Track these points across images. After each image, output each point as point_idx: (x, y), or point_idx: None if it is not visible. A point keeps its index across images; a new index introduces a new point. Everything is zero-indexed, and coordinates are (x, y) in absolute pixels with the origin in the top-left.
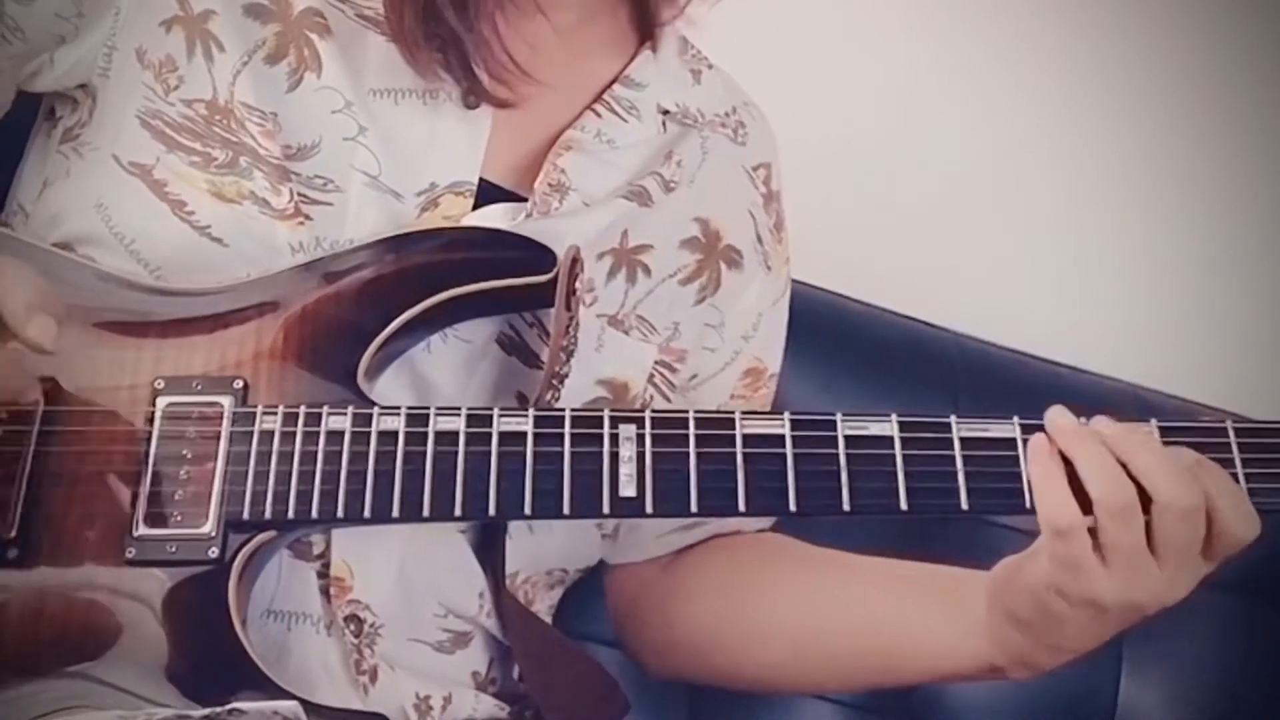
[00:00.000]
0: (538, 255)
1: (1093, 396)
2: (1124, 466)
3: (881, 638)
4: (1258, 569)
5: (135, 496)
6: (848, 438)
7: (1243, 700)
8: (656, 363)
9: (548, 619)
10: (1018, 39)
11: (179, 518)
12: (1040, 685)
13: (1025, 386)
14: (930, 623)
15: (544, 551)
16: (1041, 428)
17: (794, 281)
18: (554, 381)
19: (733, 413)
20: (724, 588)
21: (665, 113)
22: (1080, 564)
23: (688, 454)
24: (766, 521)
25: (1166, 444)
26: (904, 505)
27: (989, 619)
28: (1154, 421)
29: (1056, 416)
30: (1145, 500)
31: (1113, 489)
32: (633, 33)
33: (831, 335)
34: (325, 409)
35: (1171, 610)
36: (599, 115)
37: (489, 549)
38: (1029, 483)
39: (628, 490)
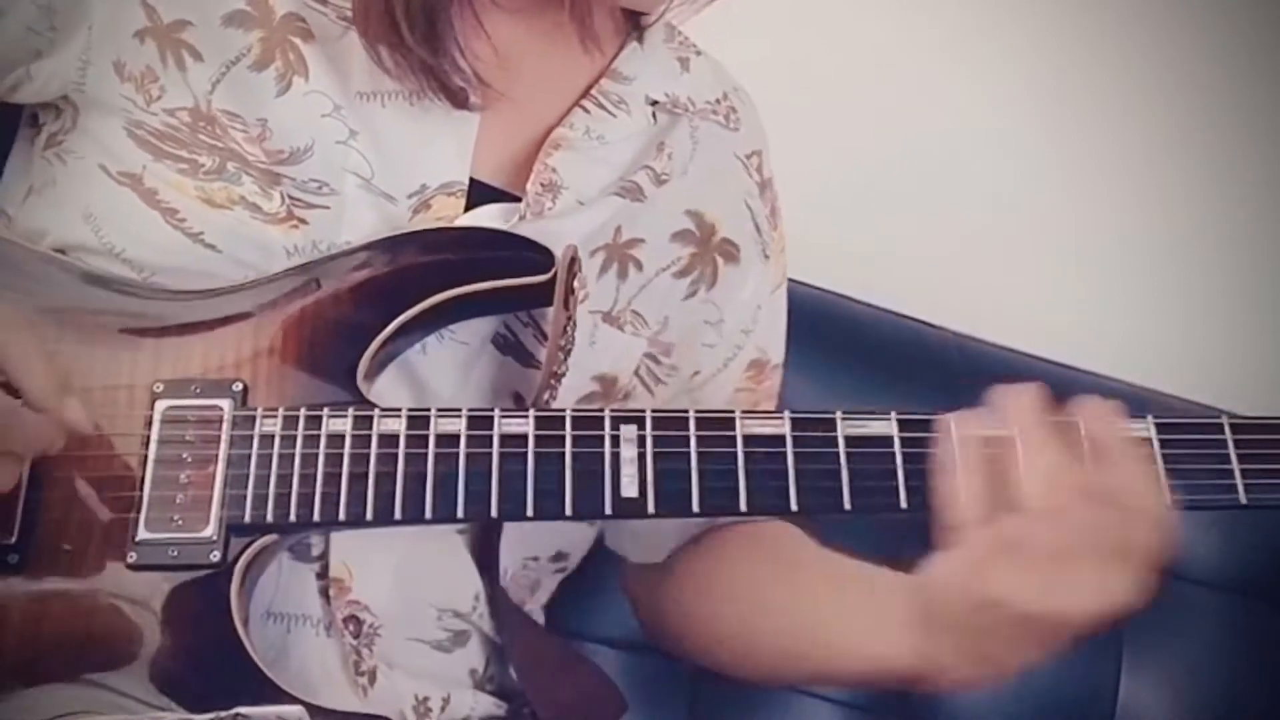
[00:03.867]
0: (536, 255)
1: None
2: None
3: (808, 639)
4: (1258, 569)
5: (136, 501)
6: (848, 437)
7: (1243, 700)
8: (644, 354)
9: (543, 611)
10: (1021, 39)
11: (180, 521)
12: (1040, 685)
13: None
14: (848, 625)
15: (528, 541)
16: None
17: (796, 282)
18: (552, 381)
19: (733, 412)
20: (729, 582)
21: (654, 103)
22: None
23: (689, 454)
24: None
25: (1162, 439)
26: (904, 504)
27: (919, 627)
28: (1150, 418)
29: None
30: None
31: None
32: (618, 27)
33: (832, 335)
34: (326, 411)
35: (1171, 608)
36: (587, 111)
37: (485, 550)
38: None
39: (629, 491)
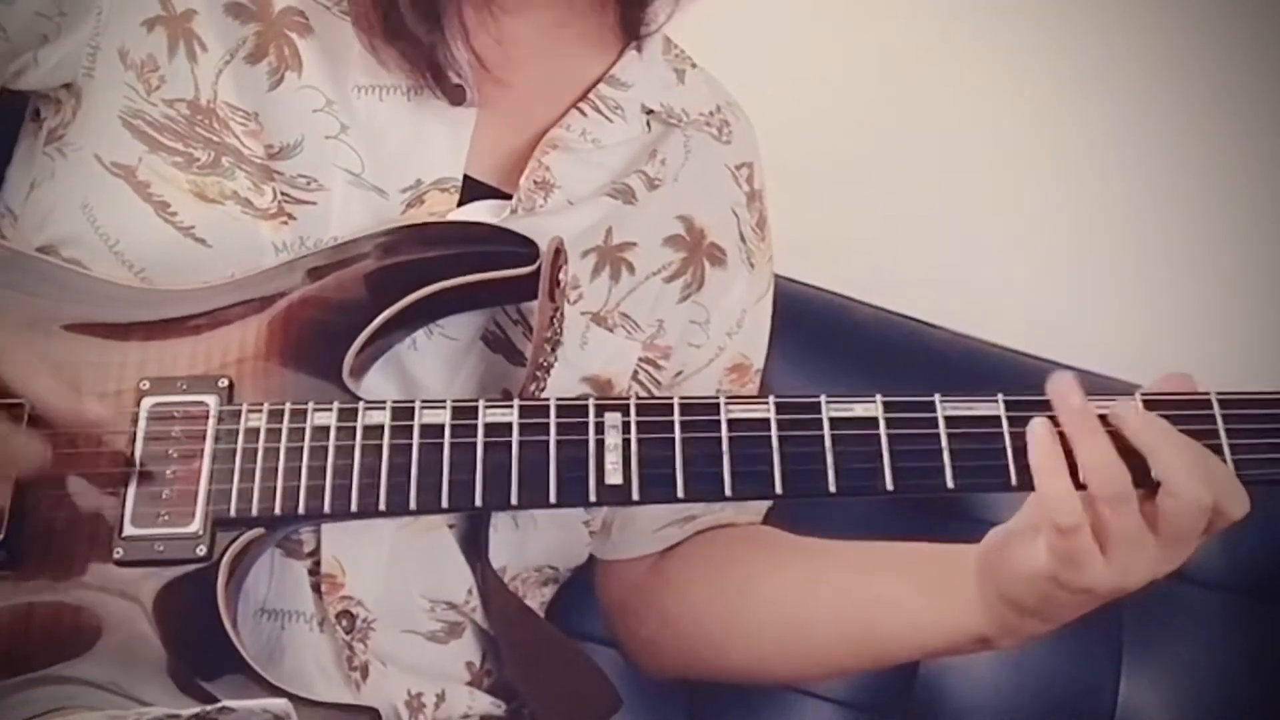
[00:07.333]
0: (521, 248)
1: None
2: (1146, 456)
3: (872, 620)
4: (1258, 569)
5: (123, 497)
6: (832, 419)
7: (1242, 700)
8: (641, 359)
9: (542, 610)
10: (1016, 38)
11: (166, 517)
12: (1040, 685)
13: (1023, 386)
14: (920, 600)
15: (530, 548)
16: (1024, 404)
17: (795, 282)
18: (538, 373)
19: (717, 397)
20: (714, 580)
21: (649, 112)
22: (1082, 558)
23: (673, 440)
24: (757, 514)
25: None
26: (890, 485)
27: (980, 595)
28: (1137, 394)
29: (1067, 392)
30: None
31: (1110, 479)
32: (617, 33)
33: (830, 335)
34: (311, 405)
35: (1171, 608)
36: (584, 114)
37: (474, 541)
38: (1017, 467)
39: (614, 478)
